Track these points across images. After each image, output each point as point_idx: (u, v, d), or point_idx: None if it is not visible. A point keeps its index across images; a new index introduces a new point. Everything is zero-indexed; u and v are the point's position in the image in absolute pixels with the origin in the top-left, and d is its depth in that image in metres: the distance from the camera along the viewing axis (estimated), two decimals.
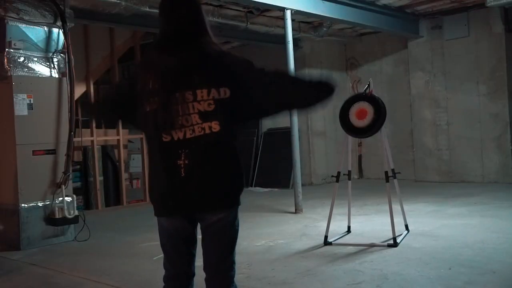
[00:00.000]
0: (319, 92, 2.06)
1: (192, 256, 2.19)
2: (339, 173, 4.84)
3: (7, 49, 5.25)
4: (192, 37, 2.13)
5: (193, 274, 2.20)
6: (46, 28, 5.52)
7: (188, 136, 2.03)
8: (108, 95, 2.58)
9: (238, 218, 2.19)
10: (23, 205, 5.23)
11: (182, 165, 2.02)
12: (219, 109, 2.03)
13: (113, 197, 8.14)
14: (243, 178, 2.18)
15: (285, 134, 8.45)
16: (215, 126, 2.02)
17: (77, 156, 7.70)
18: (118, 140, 8.18)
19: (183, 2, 2.16)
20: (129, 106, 2.16)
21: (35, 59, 5.47)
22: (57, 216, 5.36)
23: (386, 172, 4.65)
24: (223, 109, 2.03)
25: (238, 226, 2.20)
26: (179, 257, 2.17)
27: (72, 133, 5.59)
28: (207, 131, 2.02)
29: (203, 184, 2.04)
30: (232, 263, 2.15)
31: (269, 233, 5.42)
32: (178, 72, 2.06)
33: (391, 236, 4.54)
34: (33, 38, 5.43)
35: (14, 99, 5.22)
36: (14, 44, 5.28)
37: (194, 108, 2.02)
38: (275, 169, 9.53)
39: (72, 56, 5.60)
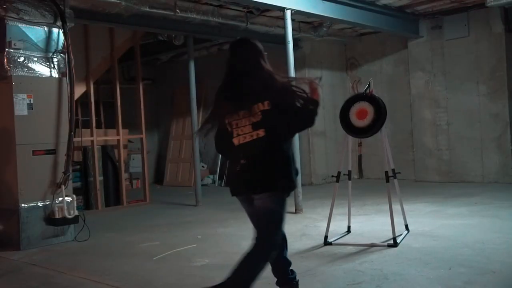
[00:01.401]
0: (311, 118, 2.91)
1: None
2: (339, 173, 4.84)
3: (7, 49, 5.25)
4: (247, 73, 2.92)
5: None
6: (46, 28, 5.52)
7: (242, 141, 2.85)
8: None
9: (280, 201, 2.88)
10: (23, 205, 5.23)
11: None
12: (264, 119, 2.80)
13: (113, 197, 8.14)
14: (287, 170, 2.89)
15: None
16: (261, 133, 2.82)
17: (77, 156, 7.71)
18: (118, 140, 8.18)
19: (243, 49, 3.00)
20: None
21: (35, 59, 5.46)
22: (57, 216, 5.36)
23: (386, 172, 4.65)
24: (266, 119, 2.80)
25: (279, 207, 2.87)
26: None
27: (72, 133, 5.59)
28: (255, 137, 2.82)
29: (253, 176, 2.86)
30: (271, 232, 2.87)
31: None
32: (239, 98, 2.88)
33: (391, 236, 4.54)
34: (33, 38, 5.43)
35: (14, 99, 5.22)
36: (14, 44, 5.28)
37: (250, 121, 2.83)
38: None
39: (72, 56, 5.60)
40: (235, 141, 2.85)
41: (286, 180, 2.87)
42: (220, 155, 3.00)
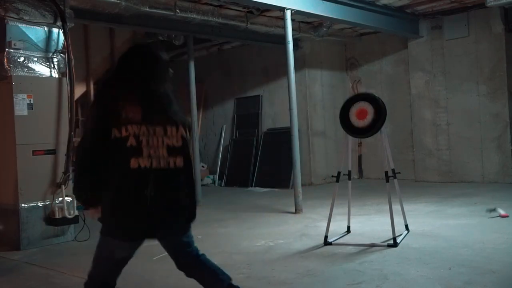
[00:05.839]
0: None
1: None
2: (339, 173, 4.84)
3: (7, 49, 5.26)
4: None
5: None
6: (46, 28, 5.52)
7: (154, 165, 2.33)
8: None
9: None
10: (23, 205, 5.23)
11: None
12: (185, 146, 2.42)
13: None
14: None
15: (285, 134, 8.45)
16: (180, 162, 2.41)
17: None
18: None
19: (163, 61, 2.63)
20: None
21: (35, 59, 5.47)
22: (57, 216, 5.36)
23: (386, 172, 4.65)
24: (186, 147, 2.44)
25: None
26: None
27: (72, 133, 5.59)
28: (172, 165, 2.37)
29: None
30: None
31: (269, 233, 5.42)
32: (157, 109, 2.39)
33: (391, 236, 4.54)
34: (33, 38, 5.43)
35: (14, 99, 5.22)
36: (14, 44, 5.28)
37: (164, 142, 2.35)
38: (275, 169, 9.52)
39: (72, 56, 5.60)
40: (141, 161, 2.30)
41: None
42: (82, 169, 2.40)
